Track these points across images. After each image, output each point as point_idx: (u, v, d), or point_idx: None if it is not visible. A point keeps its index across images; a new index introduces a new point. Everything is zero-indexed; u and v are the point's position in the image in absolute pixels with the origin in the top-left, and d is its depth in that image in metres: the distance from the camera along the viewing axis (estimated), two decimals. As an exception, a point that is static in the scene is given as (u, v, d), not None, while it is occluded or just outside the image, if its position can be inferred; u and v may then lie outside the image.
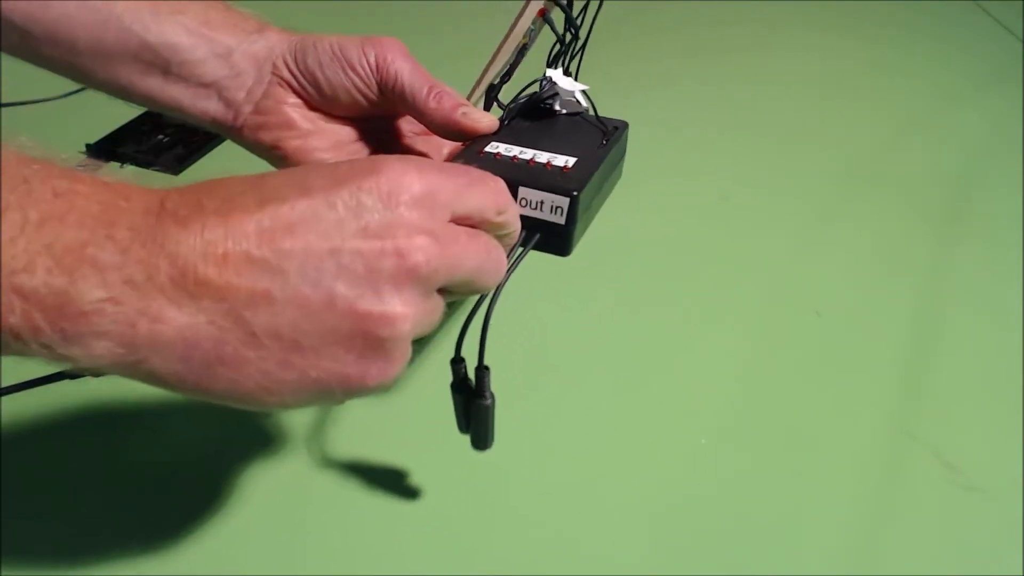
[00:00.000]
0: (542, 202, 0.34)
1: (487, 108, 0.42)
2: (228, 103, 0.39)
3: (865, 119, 0.81)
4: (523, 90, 0.41)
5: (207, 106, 0.39)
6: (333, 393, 0.26)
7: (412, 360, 0.27)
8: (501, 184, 0.29)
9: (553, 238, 0.34)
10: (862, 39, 0.99)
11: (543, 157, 0.36)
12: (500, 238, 0.30)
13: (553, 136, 0.38)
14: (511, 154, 0.36)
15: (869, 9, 1.08)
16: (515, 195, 0.34)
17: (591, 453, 0.44)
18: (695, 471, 0.43)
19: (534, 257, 0.34)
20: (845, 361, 0.51)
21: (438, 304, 0.27)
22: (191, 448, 0.43)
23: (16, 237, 0.21)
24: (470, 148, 0.37)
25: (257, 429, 0.44)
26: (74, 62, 0.37)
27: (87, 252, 0.22)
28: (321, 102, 0.39)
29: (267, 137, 0.39)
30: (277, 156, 0.40)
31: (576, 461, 0.43)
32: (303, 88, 0.38)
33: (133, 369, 0.23)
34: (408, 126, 0.43)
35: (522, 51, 0.41)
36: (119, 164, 0.65)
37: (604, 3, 0.40)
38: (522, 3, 0.41)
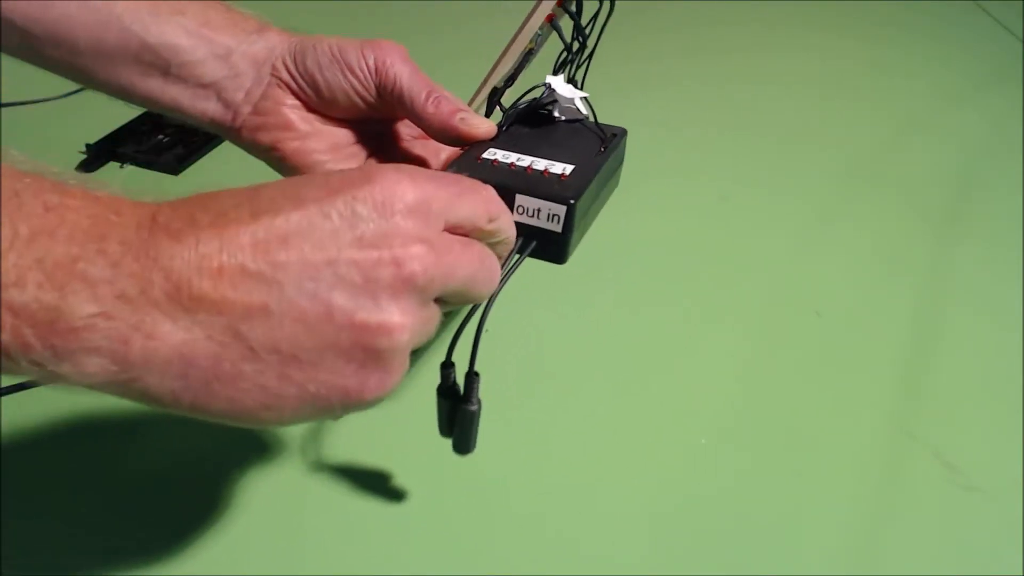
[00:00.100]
0: (539, 210, 0.34)
1: (489, 112, 0.42)
2: (227, 104, 0.39)
3: (865, 119, 0.81)
4: (522, 96, 0.41)
5: (206, 107, 0.39)
6: (332, 407, 0.25)
7: (408, 368, 0.27)
8: (492, 192, 0.29)
9: (549, 245, 0.34)
10: (862, 39, 0.99)
11: (540, 164, 0.36)
12: (494, 246, 0.30)
13: (551, 143, 0.38)
14: (508, 161, 0.36)
15: (869, 9, 1.08)
16: (512, 202, 0.34)
17: (591, 453, 0.44)
18: (695, 471, 0.43)
19: (533, 257, 0.34)
20: (845, 361, 0.51)
21: (435, 314, 0.27)
22: (191, 448, 0.43)
23: (6, 252, 0.21)
24: (468, 154, 0.37)
25: (257, 430, 0.44)
26: (74, 63, 0.37)
27: (78, 267, 0.21)
28: (320, 104, 0.39)
29: (265, 138, 0.39)
30: (275, 157, 0.40)
31: (576, 461, 0.43)
32: (302, 90, 0.38)
33: (127, 388, 0.23)
34: (406, 129, 0.43)
35: (528, 56, 0.41)
36: (119, 164, 0.65)
37: (599, 7, 0.40)
38: (526, 5, 0.41)
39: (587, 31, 0.40)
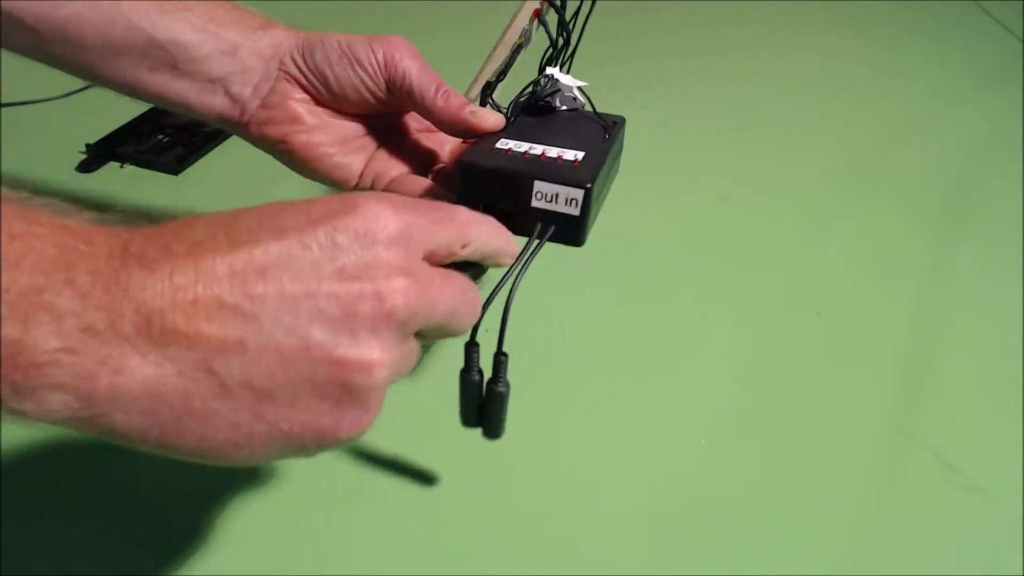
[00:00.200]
0: (557, 195, 0.34)
1: (482, 106, 0.43)
2: (234, 98, 0.39)
3: (865, 119, 0.81)
4: (525, 88, 0.41)
5: (213, 102, 0.39)
6: (306, 446, 0.24)
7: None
8: (468, 216, 0.29)
9: (567, 229, 0.35)
10: (862, 39, 0.99)
11: (553, 152, 0.37)
12: (475, 266, 0.29)
13: (557, 132, 0.39)
14: (521, 150, 0.37)
15: (869, 9, 1.08)
16: (531, 189, 0.35)
17: (591, 453, 0.44)
18: (695, 471, 0.43)
19: (552, 241, 0.35)
20: (845, 361, 0.51)
21: (414, 348, 0.27)
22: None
23: None
24: (480, 145, 0.38)
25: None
26: (81, 60, 0.37)
27: (43, 298, 0.20)
28: (329, 98, 0.39)
29: (274, 132, 0.39)
30: (283, 151, 0.40)
31: (576, 461, 0.43)
32: (311, 84, 0.39)
33: (91, 424, 0.22)
34: (413, 123, 0.44)
35: (518, 50, 0.42)
36: (119, 164, 0.65)
37: (599, 6, 0.42)
38: (519, 3, 0.41)
39: (570, 26, 0.42)
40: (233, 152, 0.68)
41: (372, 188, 0.41)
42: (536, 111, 0.42)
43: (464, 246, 0.28)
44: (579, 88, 0.41)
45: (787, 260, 0.60)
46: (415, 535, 0.39)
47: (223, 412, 0.23)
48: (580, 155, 0.37)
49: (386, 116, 0.42)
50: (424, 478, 0.42)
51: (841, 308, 0.55)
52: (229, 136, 0.69)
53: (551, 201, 0.35)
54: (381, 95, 0.39)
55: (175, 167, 0.65)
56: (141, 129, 0.68)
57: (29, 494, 0.40)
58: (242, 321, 0.22)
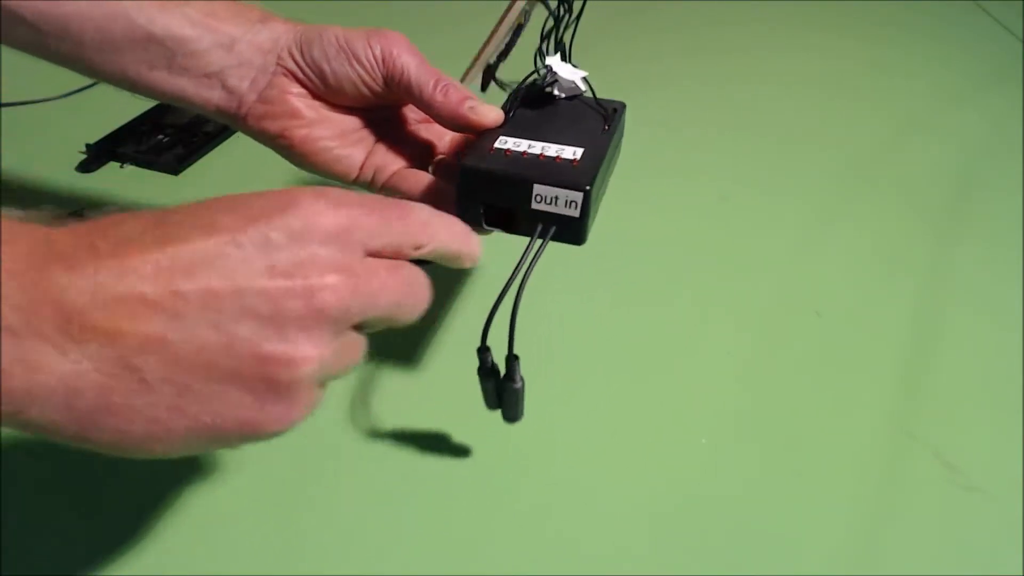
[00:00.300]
0: (556, 197, 0.35)
1: (484, 86, 0.43)
2: (232, 92, 0.39)
3: (865, 119, 0.81)
4: (524, 80, 0.41)
5: (211, 95, 0.39)
6: (228, 439, 0.25)
7: (321, 400, 0.26)
8: (424, 215, 0.28)
9: (568, 230, 0.35)
10: (862, 39, 0.99)
11: (552, 150, 0.37)
12: (428, 262, 0.29)
13: (557, 125, 0.39)
14: (520, 149, 0.37)
15: (869, 9, 1.08)
16: (530, 192, 0.35)
17: (591, 453, 0.44)
18: (695, 471, 0.43)
19: (554, 241, 0.35)
20: (845, 361, 0.51)
21: (354, 342, 0.26)
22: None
23: None
24: (479, 144, 0.38)
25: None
26: (81, 56, 0.37)
27: None
28: (326, 92, 0.39)
29: (272, 126, 0.40)
30: (283, 145, 0.40)
31: (576, 461, 0.43)
32: (308, 79, 0.39)
33: (6, 418, 0.22)
34: (412, 114, 0.44)
35: (518, 30, 0.42)
36: (119, 164, 0.65)
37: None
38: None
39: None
40: (233, 152, 0.68)
41: (373, 181, 0.42)
42: (537, 102, 0.41)
43: (418, 247, 0.28)
44: (582, 79, 0.41)
45: (787, 260, 0.60)
46: (414, 535, 0.39)
47: (142, 407, 0.23)
48: (579, 152, 0.36)
49: (384, 108, 0.42)
50: (424, 478, 0.42)
51: (841, 308, 0.55)
52: (229, 136, 0.69)
53: (551, 203, 0.35)
54: (378, 90, 0.39)
55: (175, 167, 0.65)
56: (141, 129, 0.68)
57: (30, 494, 0.40)
58: (165, 318, 0.22)
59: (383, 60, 0.38)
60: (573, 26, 0.42)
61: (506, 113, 0.40)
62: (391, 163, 0.42)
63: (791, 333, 0.53)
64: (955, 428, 0.46)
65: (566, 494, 0.42)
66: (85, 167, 0.64)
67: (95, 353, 0.22)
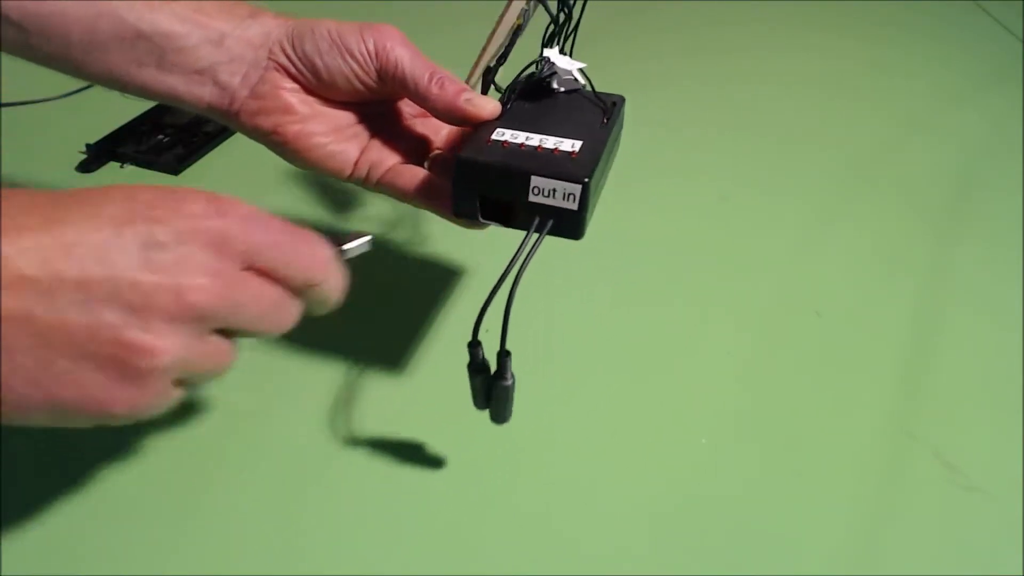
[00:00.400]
0: (554, 190, 0.34)
1: (484, 90, 0.43)
2: (223, 88, 0.39)
3: (865, 119, 0.81)
4: (522, 72, 0.41)
5: (202, 92, 0.39)
6: (78, 416, 0.26)
7: (178, 399, 0.28)
8: (321, 256, 0.30)
9: (566, 223, 0.35)
10: (862, 39, 0.99)
11: (550, 142, 0.36)
12: (308, 294, 0.30)
13: (556, 118, 0.39)
14: (518, 141, 0.36)
15: (869, 9, 1.08)
16: (528, 184, 0.34)
17: (591, 453, 0.44)
18: (695, 471, 0.43)
19: (551, 235, 0.35)
20: (845, 361, 0.51)
21: (219, 346, 0.28)
22: (192, 444, 0.43)
23: None
24: (476, 135, 0.37)
25: (257, 419, 0.44)
26: (69, 56, 0.37)
27: None
28: (319, 87, 0.39)
29: (266, 122, 0.39)
30: (276, 141, 0.40)
31: (576, 461, 0.43)
32: (301, 73, 0.38)
33: None
34: (407, 109, 0.43)
35: (517, 32, 0.42)
36: (119, 164, 0.65)
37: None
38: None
39: (571, 1, 0.41)
40: (233, 152, 0.68)
41: (368, 178, 0.41)
42: (535, 95, 0.41)
43: (308, 284, 0.29)
44: (579, 70, 0.41)
45: (787, 260, 0.60)
46: (414, 535, 0.39)
47: (3, 375, 0.24)
48: (578, 145, 0.36)
49: (379, 103, 0.41)
50: (423, 478, 0.42)
51: (841, 308, 0.55)
52: (229, 136, 0.69)
53: (549, 196, 0.34)
54: (372, 84, 0.39)
55: (175, 167, 0.65)
56: (141, 129, 0.68)
57: (30, 493, 0.40)
58: (36, 294, 0.23)
59: (376, 54, 0.38)
60: (572, 35, 0.42)
61: (503, 106, 0.39)
62: (386, 159, 0.41)
63: (791, 333, 0.53)
64: (955, 428, 0.46)
65: (566, 494, 0.42)
66: (85, 167, 0.64)
67: None
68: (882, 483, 0.43)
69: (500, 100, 0.40)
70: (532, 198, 0.34)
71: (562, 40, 0.41)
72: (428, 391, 0.46)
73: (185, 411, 0.45)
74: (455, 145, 0.43)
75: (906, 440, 0.46)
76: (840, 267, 0.59)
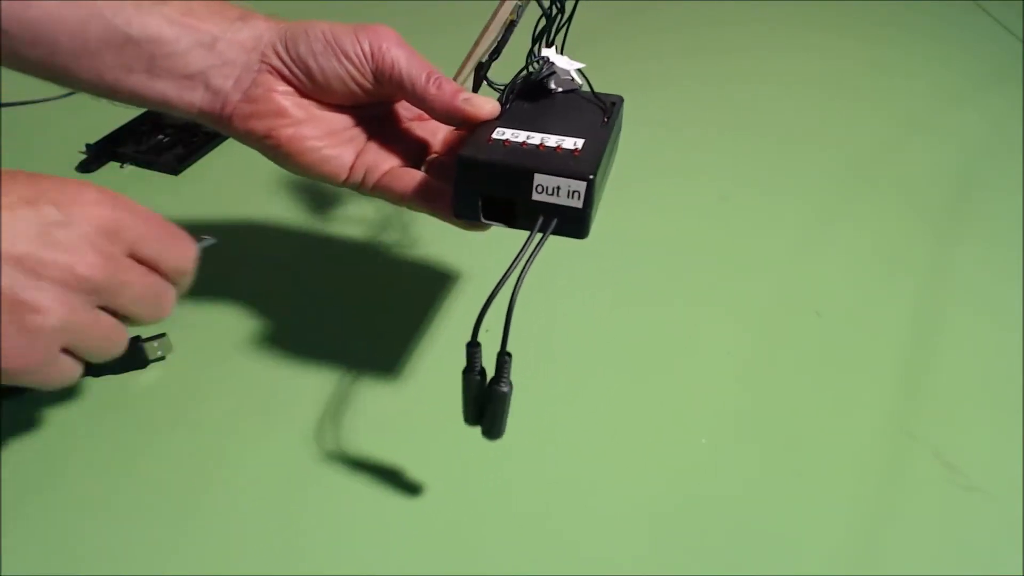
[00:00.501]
0: (558, 187, 0.33)
1: (476, 86, 0.42)
2: (215, 92, 0.38)
3: (865, 119, 0.81)
4: (519, 72, 0.40)
5: (193, 97, 0.38)
6: None
7: (71, 376, 0.30)
8: (191, 249, 0.33)
9: (570, 222, 0.34)
10: (862, 39, 0.99)
11: (551, 141, 0.36)
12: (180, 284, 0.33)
13: (556, 117, 0.38)
14: (519, 139, 0.36)
15: (869, 9, 1.08)
16: (531, 182, 0.34)
17: (591, 453, 0.44)
18: (695, 471, 0.43)
19: (555, 235, 0.34)
20: (845, 361, 0.51)
21: (106, 321, 0.30)
22: (191, 444, 0.43)
23: None
24: (476, 135, 0.37)
25: (257, 420, 0.44)
26: (56, 63, 0.36)
27: None
28: (313, 90, 0.38)
29: (259, 126, 0.38)
30: (269, 146, 0.39)
31: (576, 461, 0.43)
32: (295, 76, 0.38)
33: None
34: (404, 111, 0.43)
35: (510, 28, 0.41)
36: (119, 164, 0.65)
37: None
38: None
39: None
40: (233, 152, 0.68)
41: (364, 182, 0.41)
42: (533, 95, 0.40)
43: (179, 273, 0.32)
44: (577, 70, 0.40)
45: (787, 260, 0.60)
46: (414, 535, 0.39)
47: None
48: (580, 143, 0.35)
49: (375, 106, 0.41)
50: (423, 478, 0.42)
51: (841, 308, 0.55)
52: (228, 136, 0.68)
53: (552, 194, 0.34)
54: (368, 86, 0.38)
55: (175, 167, 0.65)
56: (141, 129, 0.68)
57: (30, 493, 0.40)
58: None
59: (372, 55, 0.37)
60: (565, 28, 0.41)
61: (502, 106, 0.39)
62: (383, 162, 0.41)
63: (791, 333, 0.53)
64: (955, 428, 0.46)
65: (566, 494, 0.42)
66: (85, 167, 0.64)
67: None
68: (882, 483, 0.43)
69: (498, 100, 0.39)
70: (535, 196, 0.34)
71: (553, 35, 0.41)
72: (427, 392, 0.46)
73: (185, 411, 0.45)
74: (453, 148, 0.43)
75: (906, 440, 0.46)
76: (840, 267, 0.59)
